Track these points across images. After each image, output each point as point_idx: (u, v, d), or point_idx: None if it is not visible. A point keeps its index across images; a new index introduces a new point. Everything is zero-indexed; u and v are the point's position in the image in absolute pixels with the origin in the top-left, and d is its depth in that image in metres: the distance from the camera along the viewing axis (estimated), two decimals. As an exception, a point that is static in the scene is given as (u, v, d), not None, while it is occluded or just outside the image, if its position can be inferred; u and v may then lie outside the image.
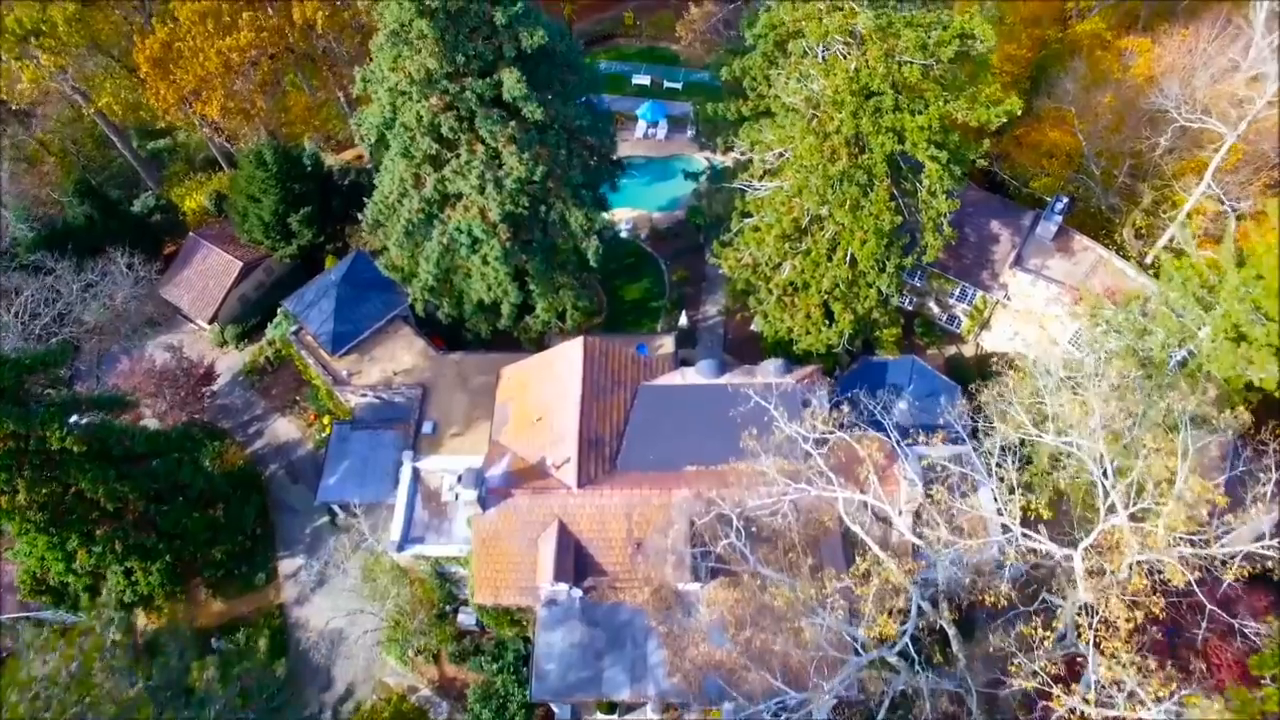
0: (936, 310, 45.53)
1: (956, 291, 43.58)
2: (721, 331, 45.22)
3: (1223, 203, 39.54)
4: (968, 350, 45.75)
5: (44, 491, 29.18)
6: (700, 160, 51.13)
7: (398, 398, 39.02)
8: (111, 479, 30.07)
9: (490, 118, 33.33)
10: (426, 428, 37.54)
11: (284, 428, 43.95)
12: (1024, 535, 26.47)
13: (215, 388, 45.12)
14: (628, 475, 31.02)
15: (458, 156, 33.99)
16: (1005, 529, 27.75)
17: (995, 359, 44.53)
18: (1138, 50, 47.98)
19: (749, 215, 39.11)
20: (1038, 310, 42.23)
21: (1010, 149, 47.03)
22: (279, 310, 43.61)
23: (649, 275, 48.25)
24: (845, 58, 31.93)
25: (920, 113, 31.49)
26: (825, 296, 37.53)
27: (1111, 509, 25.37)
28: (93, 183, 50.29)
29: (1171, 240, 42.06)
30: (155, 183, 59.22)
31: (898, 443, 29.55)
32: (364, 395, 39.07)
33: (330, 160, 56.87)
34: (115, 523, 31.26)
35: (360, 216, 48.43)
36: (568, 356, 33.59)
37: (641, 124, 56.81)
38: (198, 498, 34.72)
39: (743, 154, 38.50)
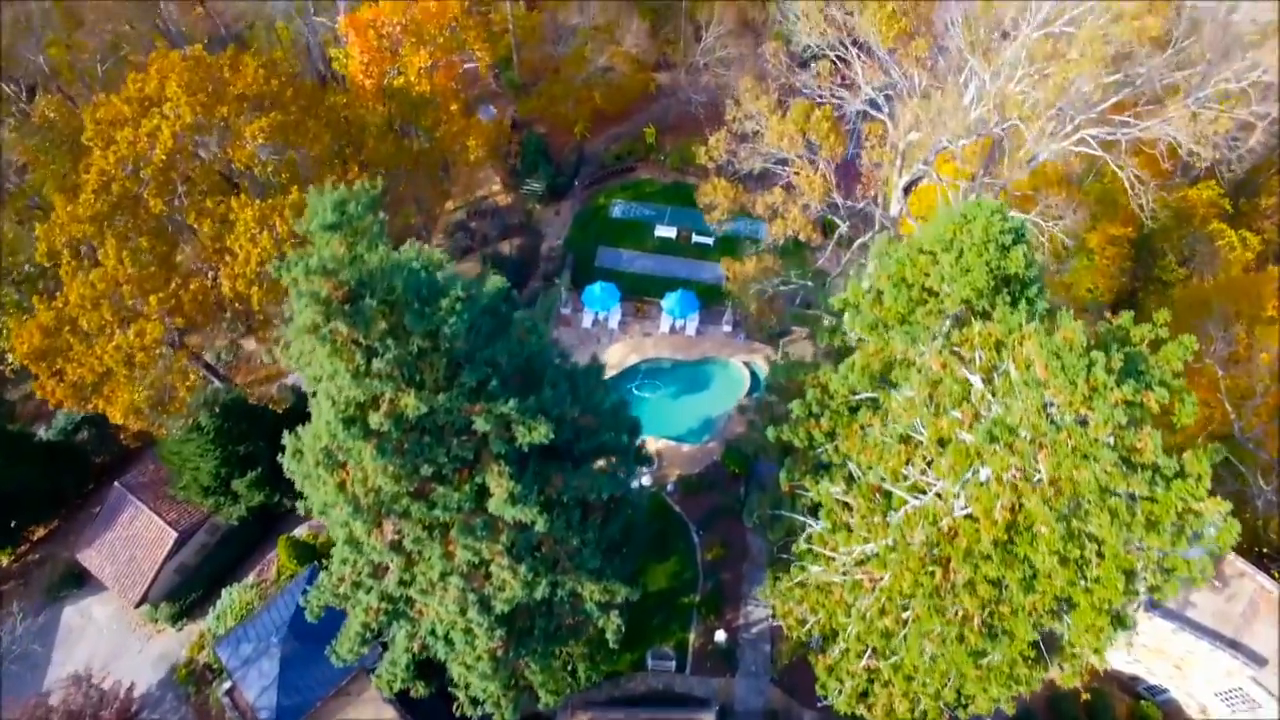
0: (1035, 617, 36.41)
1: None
2: (768, 648, 36.32)
3: None
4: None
5: None
6: (743, 372, 44.05)
7: (360, 796, 30.56)
8: None
9: (471, 530, 24.01)
10: None
11: (226, 771, 35.54)
12: None
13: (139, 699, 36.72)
14: None
15: (428, 568, 24.79)
16: None
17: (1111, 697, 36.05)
18: (1301, 277, 38.07)
19: (816, 562, 29.93)
20: (1175, 653, 33.33)
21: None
22: (211, 645, 34.76)
23: (676, 551, 39.01)
24: (997, 495, 22.13)
25: (1091, 564, 22.17)
26: (915, 698, 28.58)
27: None
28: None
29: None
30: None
31: None
32: (317, 798, 30.62)
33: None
34: None
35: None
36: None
37: (667, 316, 46.86)
38: None
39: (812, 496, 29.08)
